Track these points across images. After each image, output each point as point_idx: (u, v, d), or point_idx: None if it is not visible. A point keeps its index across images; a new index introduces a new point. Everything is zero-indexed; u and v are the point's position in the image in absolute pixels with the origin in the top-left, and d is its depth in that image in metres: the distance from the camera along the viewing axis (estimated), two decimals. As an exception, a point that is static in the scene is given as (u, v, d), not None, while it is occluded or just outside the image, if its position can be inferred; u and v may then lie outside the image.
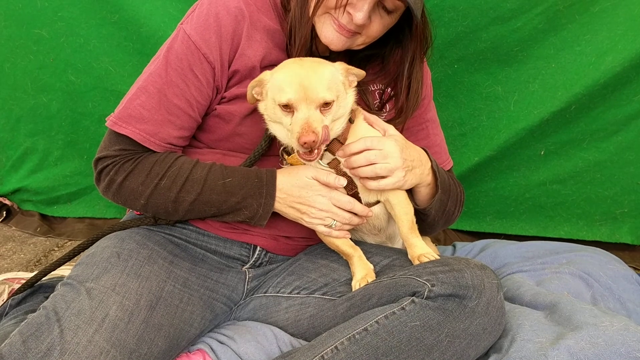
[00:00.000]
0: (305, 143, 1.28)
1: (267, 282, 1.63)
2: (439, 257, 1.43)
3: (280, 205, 1.47)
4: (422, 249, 1.46)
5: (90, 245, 1.56)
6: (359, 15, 1.39)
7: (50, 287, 1.66)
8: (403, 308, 1.30)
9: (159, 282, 1.42)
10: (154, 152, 1.47)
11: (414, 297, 1.30)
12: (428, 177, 1.53)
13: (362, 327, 1.31)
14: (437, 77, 2.10)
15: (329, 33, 1.46)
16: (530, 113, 2.14)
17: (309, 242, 1.67)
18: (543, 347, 1.26)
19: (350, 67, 1.41)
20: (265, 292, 1.61)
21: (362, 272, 1.48)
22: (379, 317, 1.31)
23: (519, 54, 2.09)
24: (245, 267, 1.61)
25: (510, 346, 1.32)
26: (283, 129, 1.38)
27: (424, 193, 1.56)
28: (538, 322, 1.37)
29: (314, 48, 1.53)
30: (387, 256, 1.55)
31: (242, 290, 1.62)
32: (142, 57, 2.34)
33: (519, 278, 1.64)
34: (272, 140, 1.50)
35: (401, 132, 1.58)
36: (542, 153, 2.21)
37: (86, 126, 2.56)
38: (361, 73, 1.41)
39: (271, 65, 1.46)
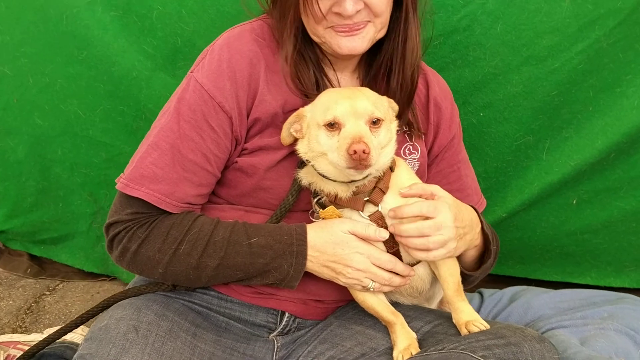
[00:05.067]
0: (355, 152, 1.18)
1: (296, 350, 1.48)
2: (488, 327, 1.30)
3: (313, 265, 1.34)
4: (469, 315, 1.34)
5: (100, 312, 1.40)
6: (346, 5, 1.28)
7: (52, 356, 1.48)
8: (461, 387, 1.18)
9: None
10: (170, 213, 1.33)
11: None
12: (477, 241, 1.43)
13: None
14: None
15: (343, 42, 1.35)
16: (565, 163, 1.98)
17: (340, 303, 1.53)
18: None
19: (392, 102, 1.37)
20: None
21: (405, 342, 1.35)
22: None
23: (555, 99, 1.90)
24: (273, 335, 1.47)
25: None
26: (329, 164, 1.28)
27: (469, 255, 1.46)
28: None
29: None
30: (428, 321, 1.43)
31: (270, 361, 1.46)
32: (114, 100, 2.12)
33: (563, 337, 1.55)
34: (301, 192, 1.38)
35: (432, 174, 1.53)
36: (575, 202, 2.08)
37: (57, 174, 2.34)
38: (397, 107, 1.39)
39: (294, 110, 1.35)
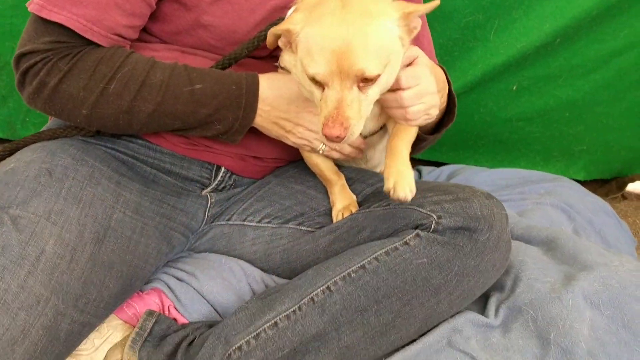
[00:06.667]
0: (327, 137, 1.01)
1: (230, 208, 1.40)
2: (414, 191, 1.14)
3: (261, 120, 1.21)
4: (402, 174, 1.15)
5: (7, 157, 1.23)
6: None
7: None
8: (407, 243, 1.14)
9: (105, 208, 1.15)
10: (95, 45, 1.14)
11: (418, 231, 1.15)
12: (444, 103, 1.32)
13: (359, 264, 1.14)
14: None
15: None
16: (511, 46, 1.93)
17: (279, 163, 1.44)
18: (555, 289, 1.18)
19: (410, 8, 1.04)
20: (228, 220, 1.38)
21: (344, 202, 1.30)
22: (378, 253, 1.15)
23: None
24: (206, 190, 1.37)
25: (516, 285, 1.23)
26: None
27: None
28: (539, 259, 1.29)
29: None
30: (371, 184, 1.37)
31: (202, 217, 1.38)
32: None
33: (504, 209, 1.56)
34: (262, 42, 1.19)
35: None
36: (515, 88, 2.06)
37: None
38: (431, 6, 1.06)
39: None
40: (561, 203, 1.59)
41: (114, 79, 1.12)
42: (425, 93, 1.14)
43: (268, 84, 1.19)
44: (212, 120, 1.17)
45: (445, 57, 2.02)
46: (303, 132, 1.23)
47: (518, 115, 2.15)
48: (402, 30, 1.05)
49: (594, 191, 2.34)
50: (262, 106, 1.19)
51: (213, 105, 1.16)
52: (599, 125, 2.17)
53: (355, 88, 1.00)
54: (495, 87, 2.07)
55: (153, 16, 1.22)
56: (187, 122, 1.18)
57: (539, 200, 1.61)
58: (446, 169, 1.91)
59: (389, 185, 1.09)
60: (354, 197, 1.32)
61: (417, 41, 1.45)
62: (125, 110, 1.14)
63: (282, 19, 1.15)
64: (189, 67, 1.17)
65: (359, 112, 1.01)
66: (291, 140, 1.25)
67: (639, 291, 1.16)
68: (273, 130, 1.24)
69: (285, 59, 1.14)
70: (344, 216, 1.27)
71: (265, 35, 1.14)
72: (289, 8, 1.16)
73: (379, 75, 1.01)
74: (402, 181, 1.08)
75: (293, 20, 1.04)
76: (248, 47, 1.21)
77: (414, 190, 1.09)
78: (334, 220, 1.29)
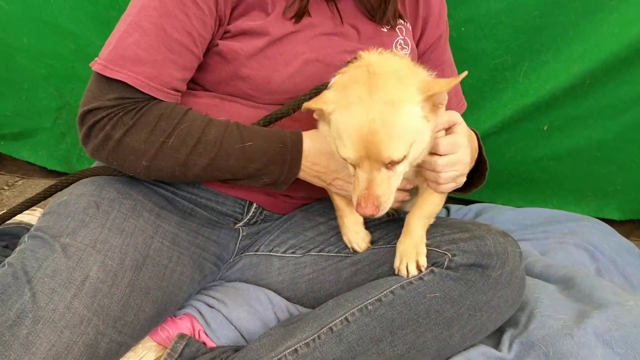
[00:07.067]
0: (362, 215, 1.10)
1: (259, 240, 1.50)
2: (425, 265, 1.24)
3: (304, 174, 1.31)
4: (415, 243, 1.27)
5: (60, 190, 1.37)
6: None
7: (8, 235, 1.46)
8: (421, 278, 1.21)
9: (145, 238, 1.27)
10: (157, 101, 1.25)
11: (432, 267, 1.22)
12: (473, 164, 1.39)
13: (375, 297, 1.22)
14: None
15: None
16: (540, 87, 1.97)
17: (307, 200, 1.54)
18: (567, 326, 1.22)
19: (434, 90, 1.08)
20: (256, 251, 1.48)
21: (354, 226, 1.37)
22: (394, 287, 1.22)
23: (537, 19, 1.88)
24: (239, 225, 1.47)
25: (530, 321, 1.27)
26: None
27: None
28: (555, 297, 1.33)
29: None
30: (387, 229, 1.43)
31: (233, 249, 1.49)
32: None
33: (525, 248, 1.59)
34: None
35: None
36: (546, 128, 2.08)
37: (22, 64, 2.23)
38: (449, 87, 1.10)
39: None
40: (584, 243, 1.60)
41: (172, 134, 1.22)
42: (459, 162, 1.21)
43: (310, 141, 1.28)
44: (260, 174, 1.28)
45: (475, 97, 2.07)
46: (342, 185, 1.31)
47: (549, 154, 2.16)
48: (426, 110, 1.09)
49: (630, 232, 2.32)
50: (305, 162, 1.28)
51: (261, 161, 1.26)
52: (632, 165, 2.15)
53: (383, 169, 1.07)
54: (526, 127, 2.10)
55: (198, 67, 1.34)
56: (237, 175, 1.28)
57: (562, 240, 1.63)
58: (474, 207, 1.95)
59: (396, 264, 1.24)
60: (362, 219, 1.38)
61: (441, 71, 1.52)
62: (182, 163, 1.24)
63: (325, 85, 1.23)
64: (240, 126, 1.27)
65: (389, 189, 1.08)
66: (332, 190, 1.34)
67: (652, 330, 1.19)
68: (315, 182, 1.33)
69: (321, 128, 1.22)
70: (362, 248, 1.36)
71: (312, 92, 1.25)
72: (332, 77, 1.23)
73: (405, 157, 1.08)
74: (410, 263, 1.22)
75: (326, 100, 1.11)
76: (293, 107, 1.30)
77: (424, 264, 1.22)
78: (352, 248, 1.38)
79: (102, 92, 1.22)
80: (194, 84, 1.38)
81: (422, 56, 1.54)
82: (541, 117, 2.08)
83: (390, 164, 1.07)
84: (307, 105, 1.12)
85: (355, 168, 1.09)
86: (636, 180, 2.22)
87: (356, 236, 1.37)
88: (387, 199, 1.08)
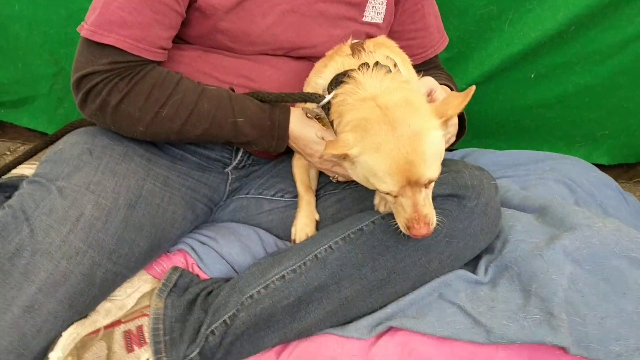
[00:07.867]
0: (416, 237, 1.16)
1: (249, 183, 1.58)
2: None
3: (291, 146, 1.40)
4: None
5: (56, 141, 1.44)
6: None
7: (10, 187, 1.54)
8: (401, 207, 1.28)
9: (137, 180, 1.34)
10: (150, 67, 1.31)
11: None
12: None
13: (357, 227, 1.29)
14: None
15: None
16: (526, 35, 2.00)
17: (294, 147, 1.60)
18: (538, 247, 1.28)
19: (449, 114, 1.14)
20: (246, 194, 1.56)
21: (304, 220, 1.44)
22: (375, 218, 1.29)
23: None
24: (228, 169, 1.54)
25: (504, 247, 1.33)
26: None
27: None
28: (530, 224, 1.39)
29: None
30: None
31: (223, 191, 1.56)
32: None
33: (505, 183, 1.65)
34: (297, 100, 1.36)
35: (398, 14, 1.53)
36: (533, 76, 2.13)
37: (16, 32, 2.27)
38: (458, 110, 1.16)
39: None
40: (564, 178, 1.65)
41: (166, 104, 1.29)
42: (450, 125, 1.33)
43: (296, 124, 1.35)
44: (251, 144, 1.36)
45: (462, 48, 2.12)
46: (322, 163, 1.38)
47: (538, 102, 2.20)
48: (443, 128, 1.16)
49: (619, 176, 2.36)
50: (291, 139, 1.37)
51: (252, 135, 1.34)
52: (620, 110, 2.18)
53: (423, 189, 1.13)
54: (513, 75, 2.14)
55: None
56: (230, 143, 1.39)
57: (542, 176, 1.67)
58: (458, 152, 1.99)
59: (376, 201, 1.33)
60: (316, 217, 1.46)
61: (423, 19, 1.60)
62: (176, 131, 1.32)
63: (319, 95, 1.28)
64: (233, 98, 1.33)
65: (430, 205, 1.15)
66: (312, 162, 1.41)
67: (618, 248, 1.25)
68: (300, 152, 1.41)
69: (345, 165, 1.21)
70: (300, 238, 1.42)
71: (302, 98, 1.32)
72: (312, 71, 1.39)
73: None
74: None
75: (347, 144, 1.13)
76: (281, 100, 1.35)
77: None
78: (292, 236, 1.44)
79: (94, 56, 1.27)
80: (178, 38, 1.42)
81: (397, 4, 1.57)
82: (528, 65, 2.11)
83: (428, 183, 1.13)
84: (329, 151, 1.14)
85: (395, 197, 1.14)
86: (625, 124, 2.25)
87: (301, 232, 1.43)
88: (433, 214, 1.14)
